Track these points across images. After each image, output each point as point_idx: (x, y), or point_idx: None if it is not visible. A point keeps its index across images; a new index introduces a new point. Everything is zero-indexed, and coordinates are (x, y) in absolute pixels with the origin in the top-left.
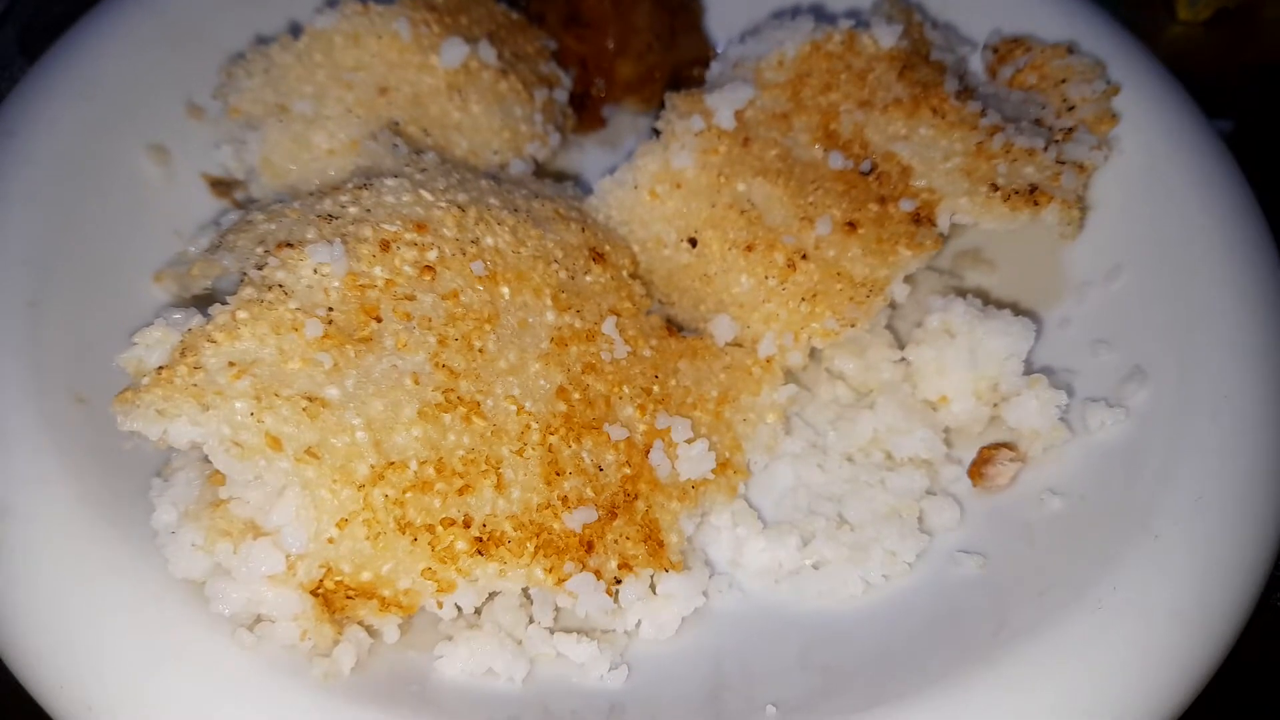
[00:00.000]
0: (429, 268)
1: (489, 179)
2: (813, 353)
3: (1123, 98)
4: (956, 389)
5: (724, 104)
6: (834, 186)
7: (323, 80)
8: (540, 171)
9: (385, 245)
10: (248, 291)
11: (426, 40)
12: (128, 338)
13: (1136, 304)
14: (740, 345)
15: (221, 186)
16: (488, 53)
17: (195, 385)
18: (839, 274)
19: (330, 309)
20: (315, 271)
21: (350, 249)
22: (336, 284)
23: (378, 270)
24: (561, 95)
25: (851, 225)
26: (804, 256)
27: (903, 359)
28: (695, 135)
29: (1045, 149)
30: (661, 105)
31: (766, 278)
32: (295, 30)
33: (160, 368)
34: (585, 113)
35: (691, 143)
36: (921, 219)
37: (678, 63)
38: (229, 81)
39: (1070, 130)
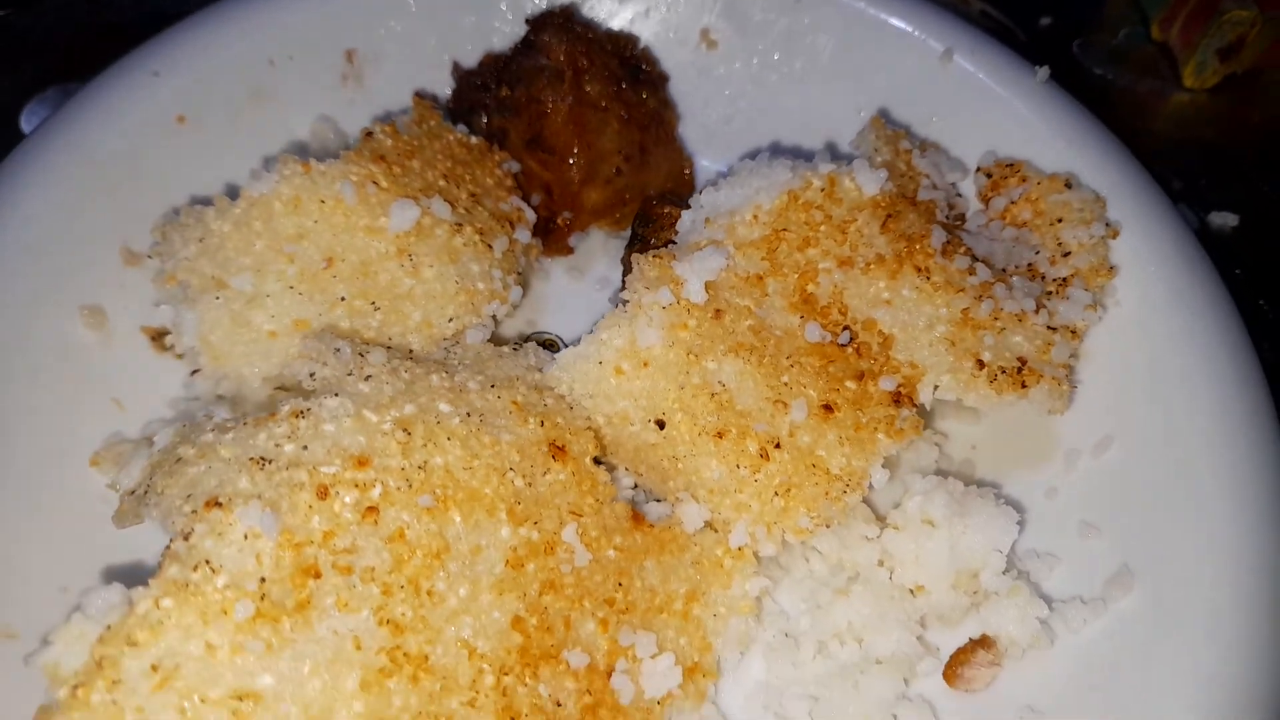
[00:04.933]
0: (372, 509)
1: (440, 372)
2: None
3: (1121, 241)
4: (934, 580)
5: (694, 274)
6: (810, 361)
7: (262, 251)
8: (496, 336)
9: (323, 492)
10: (173, 570)
11: (375, 200)
12: (64, 546)
13: (1127, 486)
14: (712, 528)
15: (162, 340)
16: (441, 209)
17: (114, 703)
18: (814, 465)
19: (263, 578)
20: (245, 537)
21: (285, 502)
22: (269, 546)
23: (315, 522)
24: (524, 235)
25: (828, 408)
26: (777, 445)
27: (880, 536)
28: (663, 309)
29: (1036, 311)
30: (632, 234)
31: (738, 466)
32: (233, 192)
33: (76, 685)
34: (551, 239)
35: (659, 318)
36: (902, 398)
37: (650, 181)
38: (164, 244)
39: (1064, 282)
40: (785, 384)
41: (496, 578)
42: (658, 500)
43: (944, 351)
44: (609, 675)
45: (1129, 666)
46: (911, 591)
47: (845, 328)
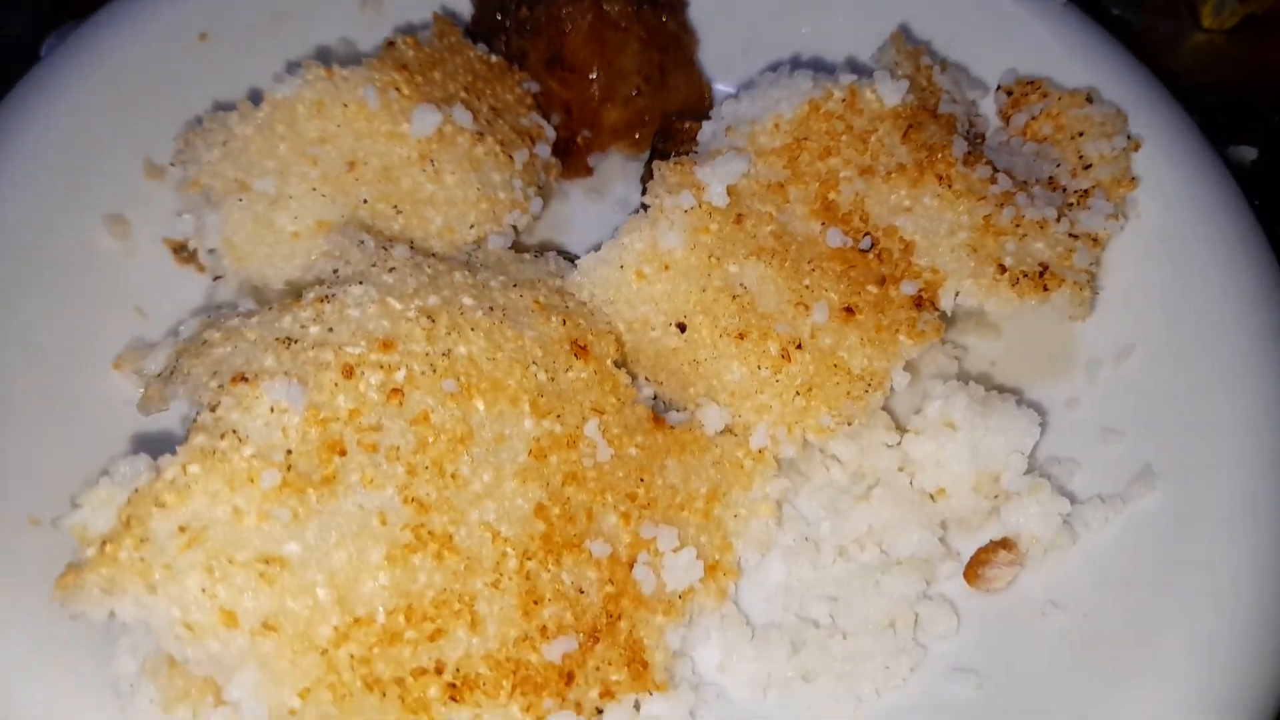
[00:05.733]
0: (397, 390)
1: (462, 270)
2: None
3: (1142, 154)
4: (955, 483)
5: (716, 178)
6: (831, 266)
7: (285, 154)
8: (519, 241)
9: (349, 371)
10: (199, 439)
11: (397, 106)
12: (86, 443)
13: (1149, 391)
14: (731, 431)
15: (184, 252)
16: (463, 116)
17: (142, 560)
18: (835, 365)
19: (289, 451)
20: (272, 410)
21: (310, 381)
22: (295, 421)
23: (340, 400)
24: (544, 150)
25: (849, 311)
26: (799, 346)
27: (899, 444)
28: (685, 213)
29: (1058, 219)
30: (652, 150)
31: (759, 367)
32: (256, 97)
33: (104, 541)
34: (571, 160)
35: (681, 221)
36: (923, 302)
37: (669, 103)
38: (187, 151)
39: (1086, 194)
40: (807, 287)
41: (520, 466)
42: (678, 411)
43: (965, 257)
44: (631, 566)
45: (1151, 563)
46: (932, 496)
47: (866, 234)
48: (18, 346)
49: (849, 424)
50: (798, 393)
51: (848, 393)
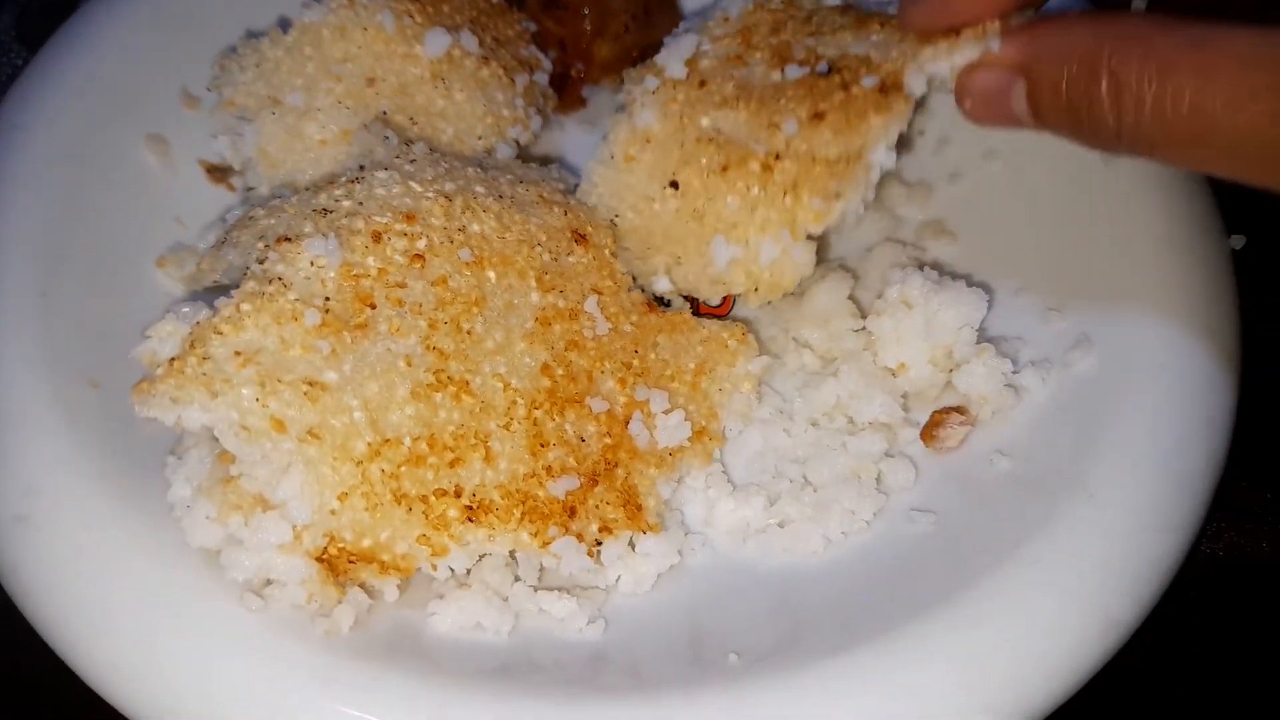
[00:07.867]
0: (419, 256)
1: (474, 167)
2: (785, 327)
3: None
4: (914, 357)
5: (673, 57)
6: (795, 93)
7: (312, 73)
8: (524, 155)
9: (377, 236)
10: (250, 285)
11: (410, 31)
12: (135, 323)
13: (1090, 277)
14: (718, 317)
15: (218, 173)
16: (469, 41)
17: (205, 374)
18: (814, 159)
19: (327, 299)
20: (312, 264)
21: (344, 241)
22: (332, 275)
23: (371, 260)
24: (542, 78)
25: (818, 115)
26: (777, 157)
27: (864, 328)
28: (652, 93)
29: None
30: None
31: (749, 189)
32: (284, 24)
33: (172, 359)
34: (566, 93)
35: (650, 100)
36: (887, 88)
37: (653, 41)
38: (222, 75)
39: None
40: (774, 112)
41: (527, 330)
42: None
43: (917, 47)
44: (626, 423)
45: (1085, 414)
46: (893, 372)
47: (823, 61)
48: (74, 244)
49: (838, 197)
50: (785, 193)
51: (830, 173)
